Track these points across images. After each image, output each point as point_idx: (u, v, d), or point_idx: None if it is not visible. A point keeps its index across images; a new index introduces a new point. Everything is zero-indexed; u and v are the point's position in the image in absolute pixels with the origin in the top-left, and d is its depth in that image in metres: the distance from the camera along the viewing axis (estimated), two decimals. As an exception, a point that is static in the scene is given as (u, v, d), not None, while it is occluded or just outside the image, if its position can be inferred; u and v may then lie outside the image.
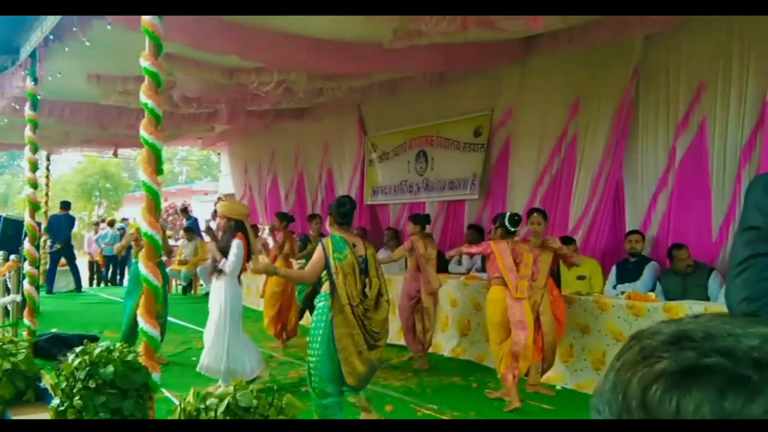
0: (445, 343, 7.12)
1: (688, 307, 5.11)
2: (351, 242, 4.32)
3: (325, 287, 4.32)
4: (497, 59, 7.45)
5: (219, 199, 5.68)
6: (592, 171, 6.94)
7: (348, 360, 4.15)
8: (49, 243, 12.45)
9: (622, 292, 5.89)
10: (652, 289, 5.95)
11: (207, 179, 35.10)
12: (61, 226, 12.49)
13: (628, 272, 6.21)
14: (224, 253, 5.30)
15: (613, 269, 6.37)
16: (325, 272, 4.26)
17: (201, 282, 12.63)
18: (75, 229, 14.63)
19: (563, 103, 7.30)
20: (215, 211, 5.65)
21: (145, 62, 3.83)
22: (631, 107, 6.67)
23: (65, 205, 13.05)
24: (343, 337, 4.13)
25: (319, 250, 4.33)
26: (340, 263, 4.18)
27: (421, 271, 6.48)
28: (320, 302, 4.35)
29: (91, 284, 14.76)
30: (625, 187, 6.82)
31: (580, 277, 6.43)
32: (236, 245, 5.23)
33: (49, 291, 12.14)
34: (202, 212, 16.33)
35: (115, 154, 15.46)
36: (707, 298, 5.52)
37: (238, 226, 5.38)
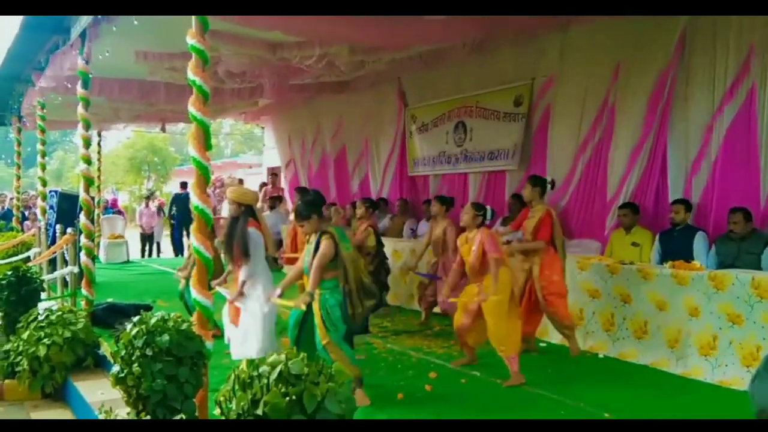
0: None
1: (734, 276, 5.04)
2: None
3: None
4: (538, 27, 7.33)
5: (223, 184, 5.24)
6: (633, 139, 6.84)
7: None
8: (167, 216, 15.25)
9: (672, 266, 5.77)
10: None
11: (251, 153, 35.52)
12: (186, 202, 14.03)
13: (673, 242, 6.13)
14: (244, 243, 4.96)
15: (656, 240, 6.29)
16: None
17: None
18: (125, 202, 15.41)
19: (605, 70, 7.18)
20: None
21: (191, 40, 3.91)
22: (677, 74, 6.52)
23: (184, 185, 15.06)
24: None
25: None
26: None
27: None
28: None
29: (142, 255, 15.18)
30: (668, 155, 6.69)
31: (635, 244, 6.39)
32: (254, 242, 4.97)
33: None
34: (248, 185, 16.66)
35: (163, 129, 15.88)
36: (759, 267, 5.40)
37: (249, 212, 5.11)
